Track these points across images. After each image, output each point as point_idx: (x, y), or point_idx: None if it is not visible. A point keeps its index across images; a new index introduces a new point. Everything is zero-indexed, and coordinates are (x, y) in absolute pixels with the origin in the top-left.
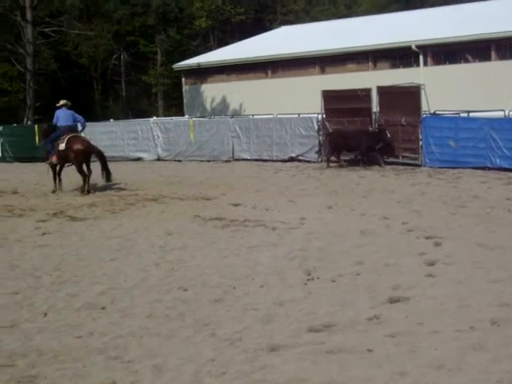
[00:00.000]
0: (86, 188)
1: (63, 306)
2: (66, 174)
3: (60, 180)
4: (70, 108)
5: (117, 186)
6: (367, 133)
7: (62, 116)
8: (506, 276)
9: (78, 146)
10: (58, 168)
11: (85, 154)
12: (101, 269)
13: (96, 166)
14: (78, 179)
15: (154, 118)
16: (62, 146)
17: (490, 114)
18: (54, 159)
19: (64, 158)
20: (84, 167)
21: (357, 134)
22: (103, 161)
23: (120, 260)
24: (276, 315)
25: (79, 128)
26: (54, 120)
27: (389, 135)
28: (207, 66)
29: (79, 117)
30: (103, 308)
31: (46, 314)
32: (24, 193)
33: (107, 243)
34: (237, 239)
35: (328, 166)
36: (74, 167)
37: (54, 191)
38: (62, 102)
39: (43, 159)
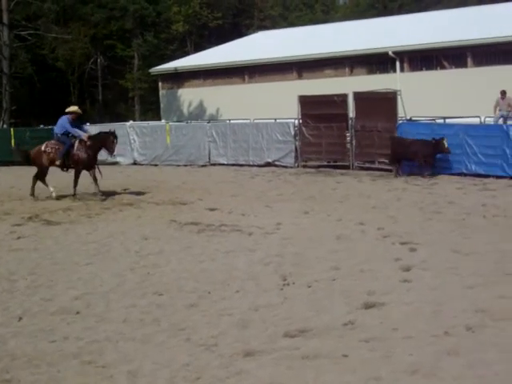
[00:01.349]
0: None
1: (38, 311)
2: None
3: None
4: (79, 117)
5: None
6: (427, 142)
7: (58, 123)
8: (481, 282)
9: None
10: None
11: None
12: (76, 273)
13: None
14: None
15: (131, 122)
16: None
17: (466, 120)
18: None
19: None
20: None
21: (417, 143)
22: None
23: (95, 264)
24: (251, 320)
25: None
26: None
27: (446, 145)
28: (184, 70)
29: (68, 128)
30: (78, 312)
31: (20, 319)
32: None
33: (83, 248)
34: (213, 244)
35: (396, 176)
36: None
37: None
38: (68, 109)
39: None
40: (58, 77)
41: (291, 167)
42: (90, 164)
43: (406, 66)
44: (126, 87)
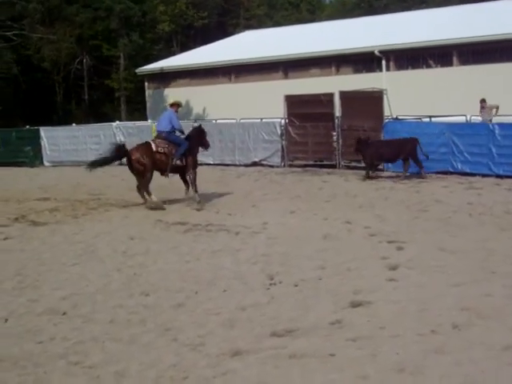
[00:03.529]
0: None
1: (24, 312)
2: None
3: (187, 185)
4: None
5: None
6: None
7: (161, 120)
8: (467, 280)
9: (131, 154)
10: (167, 176)
11: (131, 164)
12: (63, 274)
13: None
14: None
15: (117, 122)
16: None
17: (452, 118)
18: None
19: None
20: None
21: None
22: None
23: (82, 265)
24: (238, 320)
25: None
26: (157, 123)
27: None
28: (170, 70)
29: (176, 123)
30: (65, 313)
31: (6, 320)
32: None
33: (69, 248)
34: (199, 244)
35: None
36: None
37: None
38: (170, 101)
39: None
40: (44, 77)
41: (277, 167)
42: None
43: (391, 64)
44: (111, 87)
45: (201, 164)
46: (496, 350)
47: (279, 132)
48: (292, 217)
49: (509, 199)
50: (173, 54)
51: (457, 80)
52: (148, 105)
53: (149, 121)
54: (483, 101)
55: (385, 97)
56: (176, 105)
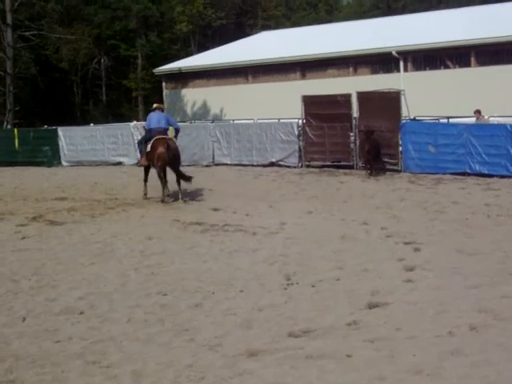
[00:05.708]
0: (165, 195)
1: (42, 311)
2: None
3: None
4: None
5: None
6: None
7: (154, 119)
8: (485, 282)
9: (161, 149)
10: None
11: (166, 158)
12: (80, 273)
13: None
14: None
15: (135, 122)
16: (148, 148)
17: (470, 119)
18: (142, 161)
19: (151, 160)
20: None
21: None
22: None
23: (99, 264)
24: (255, 320)
25: (173, 133)
26: (147, 123)
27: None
28: (188, 70)
29: (173, 120)
30: (82, 313)
31: (24, 319)
32: (3, 197)
33: (87, 248)
34: (216, 244)
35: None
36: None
37: (145, 194)
38: (154, 106)
39: None
40: (62, 77)
41: (295, 167)
42: None
43: (409, 65)
44: (129, 87)
45: (218, 164)
46: None
47: (296, 132)
48: (309, 217)
49: None
50: (190, 54)
51: (475, 81)
52: (165, 105)
53: None
54: (478, 112)
55: (402, 97)
56: (161, 108)
